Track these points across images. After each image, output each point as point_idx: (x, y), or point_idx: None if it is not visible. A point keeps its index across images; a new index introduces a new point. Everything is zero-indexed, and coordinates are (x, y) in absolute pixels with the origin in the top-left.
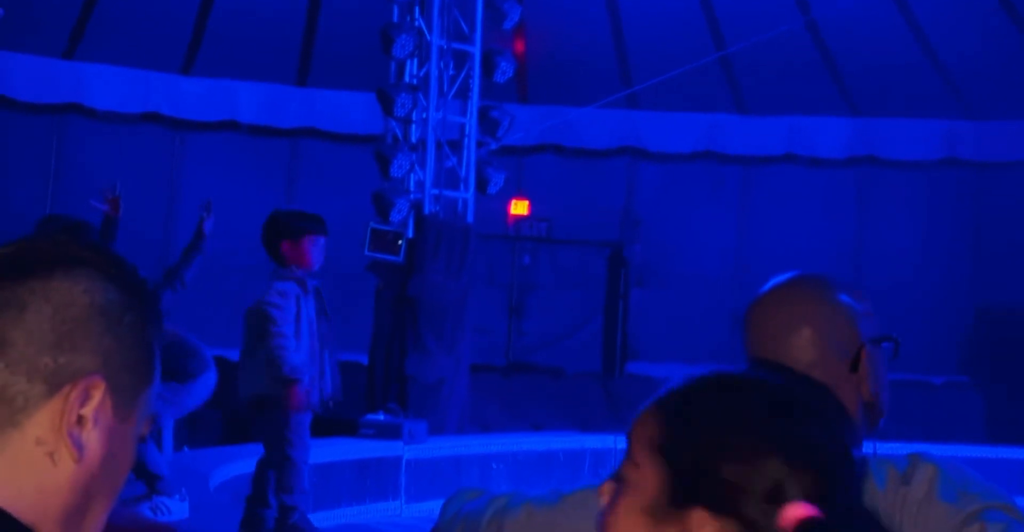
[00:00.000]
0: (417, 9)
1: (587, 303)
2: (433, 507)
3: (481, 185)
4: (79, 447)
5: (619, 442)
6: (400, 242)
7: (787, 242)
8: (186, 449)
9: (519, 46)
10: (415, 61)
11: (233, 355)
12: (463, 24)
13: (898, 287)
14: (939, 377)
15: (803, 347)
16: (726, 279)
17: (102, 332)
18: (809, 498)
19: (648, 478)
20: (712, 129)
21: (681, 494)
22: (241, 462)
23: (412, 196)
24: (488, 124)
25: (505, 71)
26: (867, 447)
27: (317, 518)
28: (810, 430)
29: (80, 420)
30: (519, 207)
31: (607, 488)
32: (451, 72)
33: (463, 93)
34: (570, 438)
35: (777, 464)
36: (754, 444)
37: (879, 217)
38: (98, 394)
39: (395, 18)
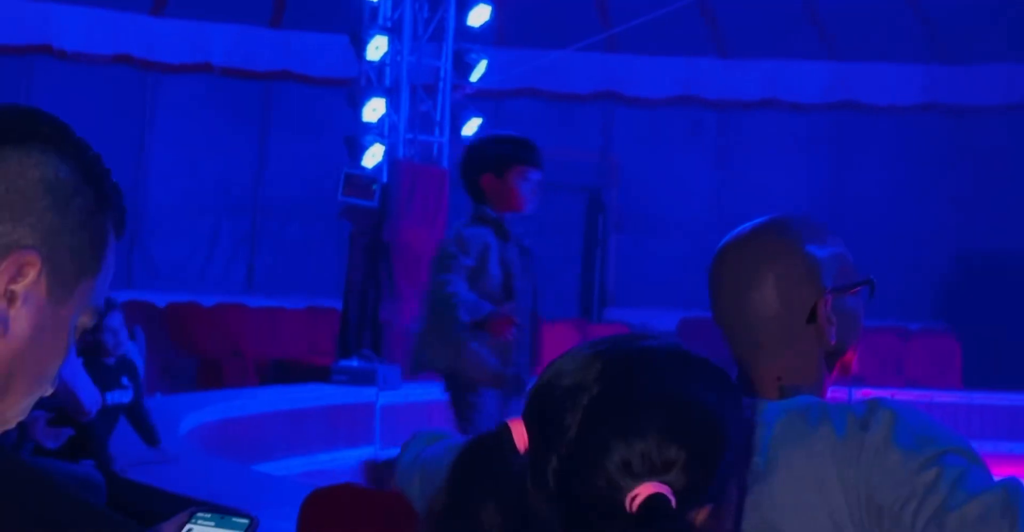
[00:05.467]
0: None
1: (566, 248)
2: None
3: (456, 129)
4: (3, 322)
5: None
6: (374, 187)
7: (765, 186)
8: (159, 395)
9: None
10: (389, 3)
11: (179, 297)
12: None
13: (876, 232)
14: (916, 323)
15: (763, 302)
16: (704, 223)
17: (46, 208)
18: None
19: None
20: (690, 73)
21: None
22: (212, 408)
23: (386, 140)
24: (463, 67)
25: (480, 14)
26: (842, 393)
27: (288, 465)
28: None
29: (9, 295)
30: None
31: None
32: (426, 15)
33: (438, 36)
34: None
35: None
36: None
37: (858, 161)
38: (32, 271)
39: None
